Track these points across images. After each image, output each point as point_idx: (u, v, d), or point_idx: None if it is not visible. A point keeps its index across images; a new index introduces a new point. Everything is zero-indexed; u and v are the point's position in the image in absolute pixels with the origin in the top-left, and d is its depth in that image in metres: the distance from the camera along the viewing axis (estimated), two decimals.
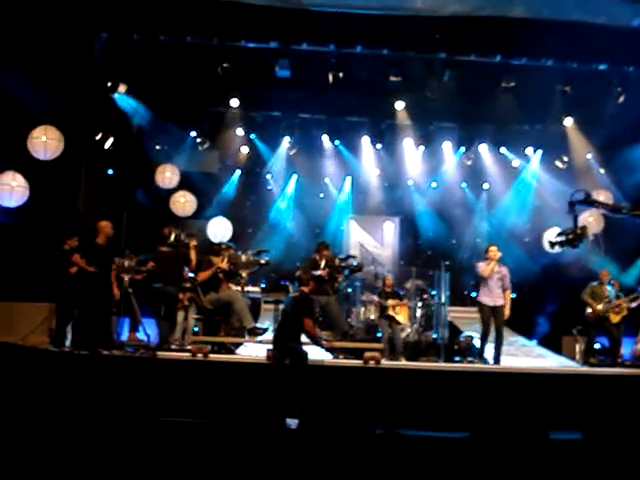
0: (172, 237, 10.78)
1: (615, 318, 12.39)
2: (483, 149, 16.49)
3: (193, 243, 10.79)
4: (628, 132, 14.16)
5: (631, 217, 3.78)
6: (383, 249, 17.21)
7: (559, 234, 4.06)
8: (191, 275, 10.95)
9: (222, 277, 10.67)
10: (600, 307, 12.02)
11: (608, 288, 12.30)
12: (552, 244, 4.13)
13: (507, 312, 11.03)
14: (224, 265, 10.67)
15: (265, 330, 10.43)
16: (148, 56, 12.95)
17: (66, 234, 11.01)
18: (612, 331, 12.09)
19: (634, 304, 12.67)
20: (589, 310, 12.16)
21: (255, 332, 10.20)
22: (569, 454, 5.73)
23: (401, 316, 11.95)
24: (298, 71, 13.45)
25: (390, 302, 11.86)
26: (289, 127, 15.76)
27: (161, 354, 9.45)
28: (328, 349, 9.87)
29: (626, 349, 13.26)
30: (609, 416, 8.50)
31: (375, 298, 12.21)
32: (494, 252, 11.15)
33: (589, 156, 15.62)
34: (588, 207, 4.05)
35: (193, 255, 10.73)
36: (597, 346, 13.04)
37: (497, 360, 10.65)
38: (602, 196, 14.29)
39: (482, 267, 11.15)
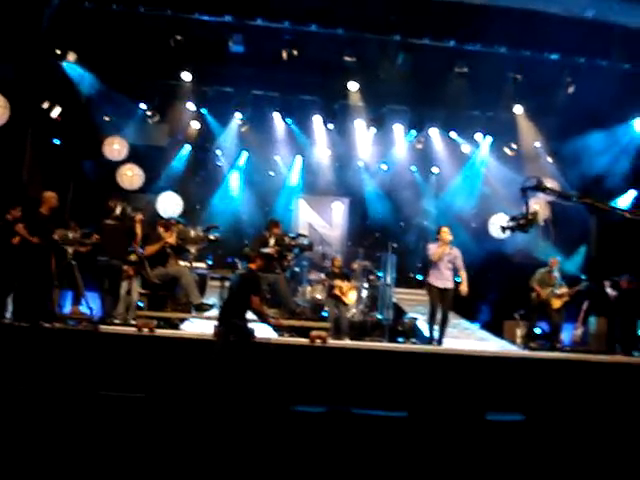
0: (118, 210, 10.59)
1: (556, 304, 12.66)
2: (434, 133, 16.61)
3: (139, 217, 10.63)
4: (576, 122, 14.43)
5: (579, 204, 3.85)
6: (331, 229, 17.24)
7: (511, 219, 4.12)
8: (140, 250, 10.81)
9: (170, 252, 10.55)
10: (544, 292, 12.25)
11: (556, 275, 12.52)
12: (504, 228, 4.19)
13: (465, 288, 10.95)
14: (172, 240, 10.55)
15: (212, 306, 10.37)
16: (99, 25, 12.69)
17: (9, 204, 10.73)
18: (553, 316, 12.33)
19: (575, 290, 12.98)
20: (533, 295, 12.36)
21: (202, 308, 10.14)
22: (507, 435, 5.85)
23: (349, 297, 12.01)
24: (252, 47, 13.34)
25: (338, 283, 11.91)
26: (241, 103, 15.62)
27: (105, 328, 9.31)
28: (275, 327, 9.87)
29: (566, 334, 13.59)
30: (547, 399, 8.69)
31: (322, 276, 12.26)
32: (446, 233, 11.08)
33: (537, 144, 15.87)
34: (539, 193, 4.10)
35: (139, 229, 10.57)
36: (538, 331, 13.35)
37: (440, 341, 10.75)
38: (549, 184, 14.51)
39: (432, 249, 11.11)
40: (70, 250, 10.51)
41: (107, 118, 15.24)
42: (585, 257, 16.43)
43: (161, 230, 10.63)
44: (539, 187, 3.93)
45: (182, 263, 10.89)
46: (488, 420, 6.61)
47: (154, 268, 10.33)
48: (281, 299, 10.92)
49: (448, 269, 11.02)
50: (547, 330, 12.97)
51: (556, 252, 15.00)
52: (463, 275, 11.09)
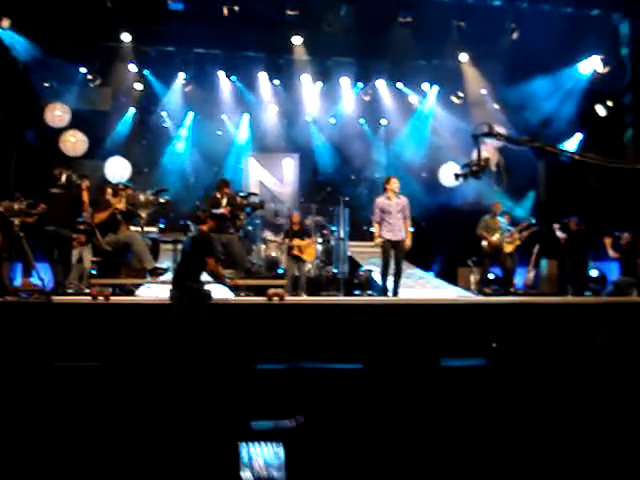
0: (63, 178, 10.33)
1: (508, 248, 12.84)
2: (381, 85, 16.56)
3: (85, 184, 10.40)
4: (521, 68, 14.51)
5: (528, 149, 3.89)
6: (283, 186, 17.15)
7: (464, 166, 4.14)
8: (88, 217, 10.63)
9: (120, 218, 10.39)
10: (494, 238, 12.36)
11: (500, 219, 12.63)
12: (457, 176, 4.21)
13: (408, 242, 10.93)
14: (122, 206, 10.39)
15: (166, 270, 10.29)
16: None
17: None
18: (505, 261, 12.49)
19: (526, 233, 13.15)
20: (484, 243, 12.49)
21: (156, 272, 10.05)
22: (466, 380, 5.95)
23: (307, 254, 12.00)
24: (192, 4, 13.11)
25: (296, 242, 11.86)
26: (184, 63, 15.36)
27: (58, 298, 9.18)
28: (231, 287, 9.85)
29: (519, 278, 13.83)
30: (503, 343, 8.85)
31: (277, 239, 12.24)
32: (394, 184, 10.97)
33: (484, 91, 15.93)
34: (488, 140, 4.12)
35: (85, 196, 10.36)
36: (491, 276, 13.56)
37: (395, 292, 10.79)
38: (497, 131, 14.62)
39: (380, 204, 10.94)
40: (17, 222, 10.26)
41: (47, 84, 14.84)
42: (534, 201, 16.67)
43: (109, 196, 10.46)
44: (491, 133, 3.94)
45: (133, 228, 10.74)
46: (444, 366, 6.72)
47: (105, 235, 10.18)
48: (236, 259, 10.87)
49: (398, 220, 10.90)
50: (500, 275, 13.17)
51: (505, 198, 15.22)
52: (408, 226, 11.04)
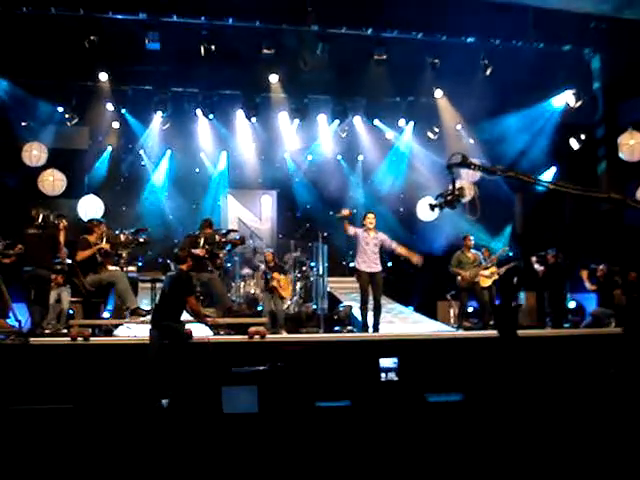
0: (40, 218, 10.24)
1: (486, 282, 12.91)
2: (357, 121, 16.71)
3: (63, 224, 10.30)
4: (496, 103, 14.73)
5: (504, 182, 3.96)
6: (261, 223, 17.17)
7: (438, 196, 4.18)
8: (67, 260, 10.56)
9: (102, 258, 10.30)
10: (468, 273, 12.34)
11: (473, 252, 12.66)
12: (432, 206, 4.24)
13: (416, 257, 11.01)
14: (106, 245, 10.34)
15: (148, 311, 10.19)
16: (11, 29, 12.33)
17: None
18: (481, 295, 12.47)
19: (504, 268, 13.25)
20: (458, 278, 12.49)
21: (138, 313, 9.92)
22: (448, 415, 5.95)
23: (285, 290, 11.96)
24: (169, 44, 13.20)
25: (275, 275, 11.84)
26: (161, 101, 15.37)
27: (35, 340, 9.08)
28: (211, 326, 9.80)
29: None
30: (483, 377, 8.86)
31: (262, 268, 12.22)
32: (371, 220, 11.02)
33: (459, 127, 16.13)
34: (463, 174, 4.18)
35: (62, 237, 10.26)
36: (470, 309, 13.60)
37: (376, 328, 10.79)
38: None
39: (355, 233, 11.07)
40: None
41: (24, 123, 14.82)
42: (511, 235, 16.80)
43: (86, 234, 10.35)
44: (464, 163, 3.99)
45: (112, 268, 10.67)
46: (429, 402, 6.71)
47: (86, 275, 10.07)
48: (216, 297, 10.84)
49: (375, 254, 10.94)
50: (479, 308, 13.19)
51: (482, 232, 15.33)
52: (403, 250, 11.07)
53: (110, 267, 10.52)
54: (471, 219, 4.34)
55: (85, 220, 13.48)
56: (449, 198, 4.14)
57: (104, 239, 10.41)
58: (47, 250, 10.26)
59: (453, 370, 8.95)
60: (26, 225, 10.34)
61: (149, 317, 9.99)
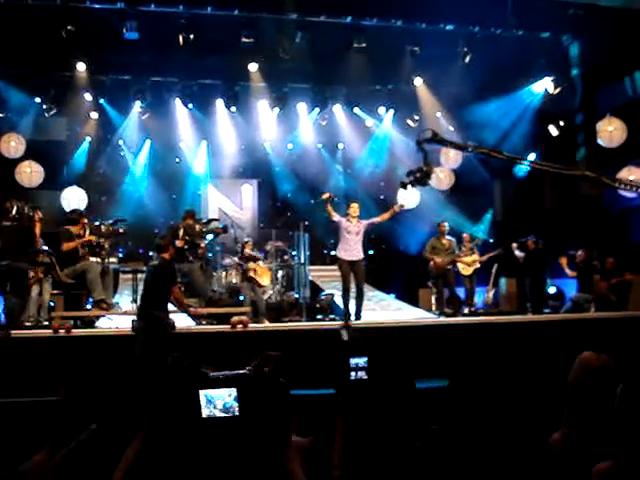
0: (14, 210, 10.08)
1: (467, 270, 12.98)
2: (337, 110, 16.69)
3: (38, 216, 10.12)
4: (475, 91, 14.77)
5: (476, 154, 3.93)
6: (242, 212, 17.13)
7: (408, 174, 4.15)
8: (45, 248, 10.45)
9: (83, 250, 10.22)
10: (440, 260, 12.32)
11: (448, 239, 12.68)
12: (403, 184, 4.20)
13: (396, 207, 11.21)
14: (92, 237, 10.28)
15: (113, 305, 10.11)
16: None
17: None
18: (452, 282, 12.45)
19: (486, 257, 13.33)
20: (430, 264, 12.50)
21: (100, 305, 9.81)
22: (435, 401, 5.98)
23: (263, 278, 11.96)
24: (147, 33, 13.08)
25: (251, 265, 11.84)
26: (140, 91, 15.26)
27: (17, 332, 9.01)
28: (194, 316, 9.78)
29: (478, 297, 13.97)
30: (464, 363, 8.91)
31: (236, 260, 12.20)
32: (354, 209, 10.99)
33: (438, 114, 16.16)
34: (436, 145, 4.15)
35: (38, 229, 10.11)
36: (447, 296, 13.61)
37: (358, 315, 10.81)
38: (452, 152, 14.88)
39: (340, 223, 11.02)
40: None
41: (1, 115, 14.67)
42: (491, 222, 16.90)
43: (69, 225, 10.26)
44: (435, 139, 3.96)
45: (92, 259, 10.58)
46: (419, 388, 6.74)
47: (65, 268, 9.98)
48: (197, 288, 10.82)
49: (356, 242, 10.89)
50: (461, 295, 13.25)
51: (463, 219, 15.41)
52: (385, 215, 11.14)
53: (91, 259, 10.44)
54: (421, 187, 4.30)
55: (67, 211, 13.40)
56: (418, 175, 4.11)
57: (87, 230, 10.34)
58: (23, 242, 10.10)
59: (433, 356, 8.97)
60: (0, 217, 10.19)
61: (128, 307, 9.97)
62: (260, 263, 12.08)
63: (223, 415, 1.60)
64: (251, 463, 1.53)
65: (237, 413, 1.59)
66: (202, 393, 1.61)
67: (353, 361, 2.38)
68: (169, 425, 1.59)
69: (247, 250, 12.19)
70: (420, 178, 4.07)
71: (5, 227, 10.02)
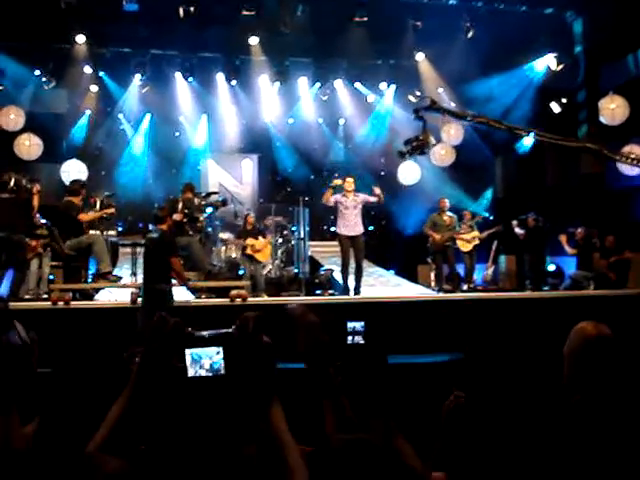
0: (12, 182, 10.03)
1: (466, 247, 12.97)
2: (338, 84, 16.60)
3: (36, 188, 10.07)
4: (477, 66, 14.67)
5: (475, 123, 3.90)
6: (242, 187, 17.08)
7: (405, 142, 4.11)
8: (44, 221, 10.43)
9: (86, 223, 10.19)
10: (439, 236, 12.29)
11: (449, 215, 12.67)
12: (401, 154, 4.16)
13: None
14: (113, 210, 10.33)
15: (120, 278, 10.10)
16: None
17: None
18: (452, 259, 12.45)
19: (486, 233, 13.32)
20: (430, 240, 12.50)
21: (106, 276, 9.79)
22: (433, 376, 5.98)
23: (262, 254, 11.96)
24: (147, 5, 12.98)
25: (250, 241, 11.82)
26: (140, 64, 15.17)
27: (15, 305, 8.99)
28: (192, 289, 9.78)
29: (478, 274, 13.98)
30: (463, 339, 8.91)
31: (231, 236, 12.20)
32: (350, 183, 10.94)
33: (440, 90, 16.06)
34: (434, 113, 4.11)
35: (36, 201, 10.07)
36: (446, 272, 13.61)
37: (357, 291, 10.82)
38: (453, 129, 14.83)
39: (333, 198, 10.96)
40: None
41: (0, 87, 14.58)
42: (491, 199, 16.87)
43: (71, 196, 10.19)
44: (433, 107, 3.92)
45: (92, 232, 10.55)
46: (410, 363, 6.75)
47: (66, 240, 9.89)
48: (196, 261, 10.80)
49: (355, 216, 10.87)
50: (461, 272, 13.24)
51: (463, 195, 15.38)
52: (377, 190, 10.97)
53: (91, 231, 10.41)
54: (418, 156, 4.26)
55: (71, 181, 13.36)
56: (415, 144, 4.06)
57: (97, 203, 10.34)
58: (19, 215, 10.04)
59: (435, 333, 8.98)
60: None
61: (127, 280, 9.96)
62: (260, 238, 12.05)
63: (209, 374, 1.60)
64: (236, 422, 1.53)
65: (223, 372, 1.59)
66: (188, 352, 1.61)
67: (350, 325, 2.37)
68: (155, 383, 1.58)
69: (249, 223, 12.16)
70: (417, 147, 4.03)
71: (2, 199, 9.98)
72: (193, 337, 1.61)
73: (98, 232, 10.51)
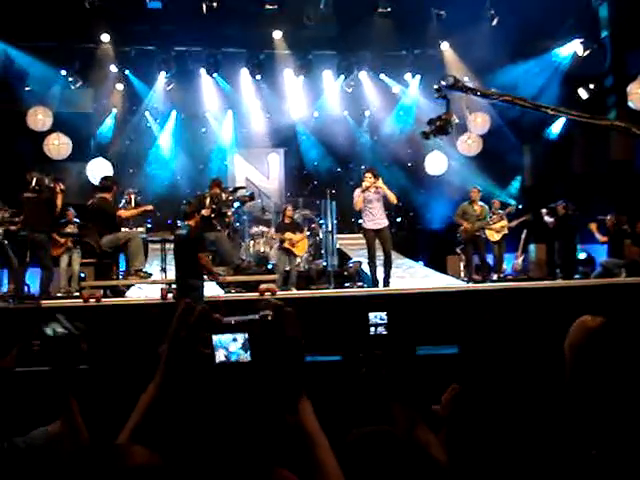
0: (34, 182, 10.11)
1: (495, 236, 12.88)
2: (363, 76, 16.53)
3: (60, 187, 10.16)
4: (503, 54, 14.52)
5: (500, 102, 3.81)
6: (269, 182, 17.12)
7: (428, 122, 4.06)
8: (77, 221, 10.53)
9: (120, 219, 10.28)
10: (470, 226, 12.25)
11: (480, 204, 12.60)
12: (425, 134, 4.11)
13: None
14: (150, 207, 10.47)
15: (150, 275, 10.16)
16: None
17: None
18: (483, 248, 12.39)
19: (515, 222, 13.22)
20: (460, 229, 12.45)
21: (138, 274, 9.86)
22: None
23: (298, 248, 11.95)
24: (170, 1, 13.03)
25: (288, 235, 11.80)
26: (164, 61, 15.23)
27: (47, 302, 9.10)
28: (221, 284, 9.83)
29: (507, 264, 13.88)
30: (491, 329, 8.84)
31: (267, 230, 12.21)
32: (369, 179, 10.80)
33: (466, 79, 15.92)
34: (458, 93, 4.04)
35: (59, 200, 10.14)
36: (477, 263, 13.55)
37: (387, 282, 10.79)
38: (480, 118, 14.71)
39: (356, 196, 10.91)
40: (0, 230, 10.13)
41: (28, 88, 14.73)
42: (520, 188, 16.74)
43: (103, 192, 10.27)
44: (456, 85, 3.85)
45: (123, 229, 10.63)
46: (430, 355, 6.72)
47: (102, 237, 9.92)
48: (225, 256, 10.85)
49: (379, 209, 10.81)
50: (491, 262, 13.16)
51: (491, 184, 15.26)
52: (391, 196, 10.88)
53: (123, 229, 10.48)
54: (441, 138, 4.21)
55: (96, 183, 13.48)
56: (439, 124, 4.01)
57: (132, 200, 10.44)
58: (43, 214, 10.13)
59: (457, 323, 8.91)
60: (22, 189, 10.26)
61: (157, 277, 10.02)
62: (298, 233, 12.05)
63: (236, 361, 1.61)
64: (262, 411, 1.54)
65: (249, 359, 1.59)
66: (215, 338, 1.62)
67: (372, 316, 2.36)
68: (184, 371, 1.59)
69: (287, 216, 12.15)
70: (441, 127, 3.98)
71: (26, 198, 10.09)
72: (220, 323, 1.61)
73: (124, 230, 10.57)
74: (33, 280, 10.56)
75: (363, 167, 16.84)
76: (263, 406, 1.51)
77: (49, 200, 10.08)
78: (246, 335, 1.59)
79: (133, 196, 11.22)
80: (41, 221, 10.06)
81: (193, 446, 1.60)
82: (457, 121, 4.12)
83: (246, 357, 1.59)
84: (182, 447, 1.61)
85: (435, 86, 3.96)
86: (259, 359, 1.48)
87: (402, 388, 2.08)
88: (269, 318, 1.47)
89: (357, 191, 10.96)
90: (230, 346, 1.60)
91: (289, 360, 1.43)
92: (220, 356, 1.61)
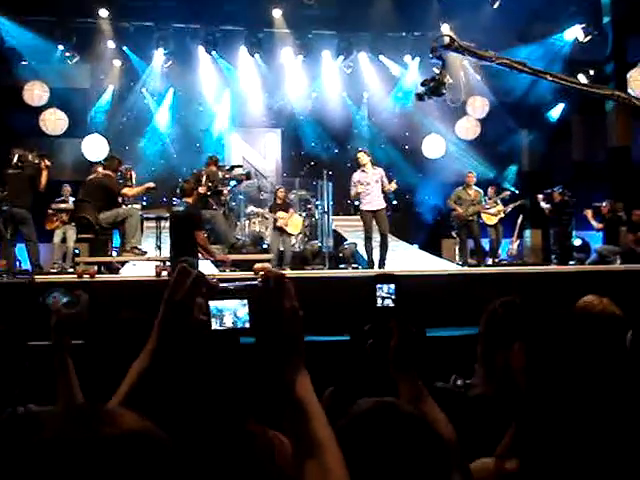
0: (15, 158, 10.00)
1: (491, 220, 12.86)
2: (362, 57, 16.44)
3: (45, 163, 10.04)
4: (504, 37, 14.43)
5: (497, 64, 3.77)
6: (266, 161, 17.06)
7: (422, 83, 4.02)
8: (71, 198, 10.46)
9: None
10: (463, 210, 12.22)
11: (475, 189, 12.57)
12: (419, 96, 4.08)
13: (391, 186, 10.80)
14: (153, 185, 10.41)
15: (144, 253, 10.11)
16: None
17: None
18: (477, 233, 12.35)
19: (510, 207, 13.20)
20: (453, 213, 12.42)
21: (133, 251, 9.81)
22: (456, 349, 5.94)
23: (293, 226, 11.93)
24: None
25: (281, 214, 11.78)
26: (162, 38, 15.10)
27: (40, 278, 9.04)
28: (216, 262, 9.80)
29: (503, 249, 13.88)
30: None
31: (261, 211, 12.17)
32: (361, 158, 10.78)
33: (465, 62, 15.84)
34: (454, 53, 3.99)
35: (44, 177, 10.03)
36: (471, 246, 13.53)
37: (382, 264, 10.77)
38: (479, 102, 14.65)
39: (355, 178, 10.86)
40: None
41: (24, 62, 14.61)
42: (517, 173, 16.71)
43: (112, 171, 10.21)
44: (451, 45, 3.81)
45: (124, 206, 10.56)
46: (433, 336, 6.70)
47: (100, 213, 9.85)
48: (220, 235, 10.82)
49: (377, 190, 10.72)
50: (486, 247, 13.15)
51: (488, 169, 15.23)
52: (392, 185, 10.88)
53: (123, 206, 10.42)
54: (453, 104, 4.18)
55: (92, 159, 13.43)
56: (432, 84, 3.97)
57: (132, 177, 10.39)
58: (24, 190, 10.03)
59: (459, 306, 8.91)
60: (5, 165, 10.16)
61: (152, 254, 9.99)
62: (291, 211, 12.03)
63: (233, 327, 1.57)
64: (260, 381, 1.52)
65: (247, 325, 1.56)
66: (212, 304, 1.58)
67: (380, 288, 2.32)
68: (178, 338, 1.56)
69: (279, 197, 12.11)
70: (435, 88, 3.94)
71: (9, 174, 9.98)
72: (217, 289, 1.58)
73: (133, 206, 10.53)
74: (23, 256, 10.50)
75: (360, 149, 16.83)
76: (261, 374, 1.48)
77: (32, 177, 9.97)
78: (245, 302, 1.55)
79: (133, 173, 11.13)
80: (21, 197, 9.93)
81: (184, 413, 1.58)
82: (451, 81, 4.08)
83: (244, 324, 1.56)
84: (174, 414, 1.59)
85: (431, 45, 3.90)
86: (258, 326, 1.44)
87: (410, 361, 2.05)
88: (270, 285, 1.43)
89: (356, 173, 10.88)
90: (228, 312, 1.56)
91: (288, 329, 1.40)
92: (217, 322, 1.57)
